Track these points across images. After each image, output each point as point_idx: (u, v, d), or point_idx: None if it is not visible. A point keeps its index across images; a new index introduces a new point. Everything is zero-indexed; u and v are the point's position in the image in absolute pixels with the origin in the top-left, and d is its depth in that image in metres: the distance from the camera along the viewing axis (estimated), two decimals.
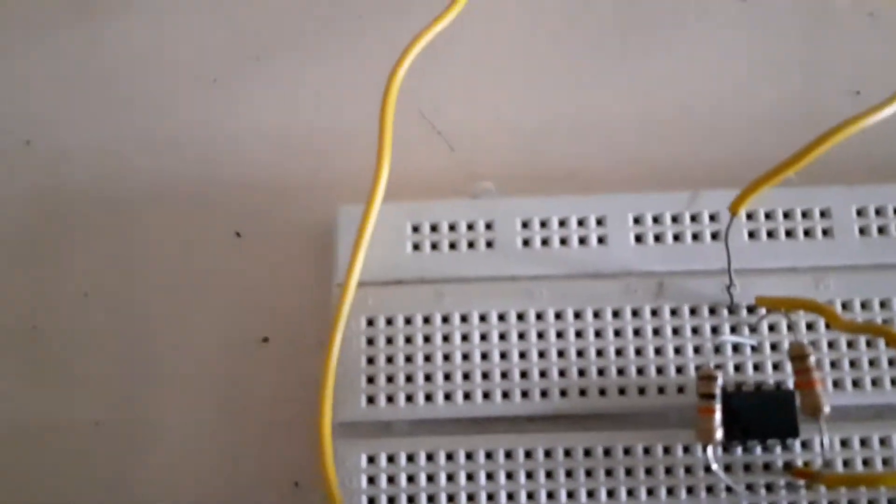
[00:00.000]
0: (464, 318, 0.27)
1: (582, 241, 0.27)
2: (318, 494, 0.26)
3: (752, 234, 0.27)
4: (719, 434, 0.24)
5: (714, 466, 0.24)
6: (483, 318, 0.27)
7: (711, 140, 0.29)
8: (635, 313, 0.26)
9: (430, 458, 0.26)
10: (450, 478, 0.25)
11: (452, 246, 0.27)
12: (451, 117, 0.30)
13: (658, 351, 0.26)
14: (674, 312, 0.26)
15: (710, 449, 0.24)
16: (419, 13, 0.28)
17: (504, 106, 0.30)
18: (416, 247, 0.27)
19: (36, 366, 0.29)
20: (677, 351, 0.26)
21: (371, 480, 0.25)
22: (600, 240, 0.27)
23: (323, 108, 0.30)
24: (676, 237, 0.27)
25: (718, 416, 0.24)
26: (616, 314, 0.26)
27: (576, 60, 0.31)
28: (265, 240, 0.29)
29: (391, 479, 0.25)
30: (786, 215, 0.27)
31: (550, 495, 0.25)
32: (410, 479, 0.25)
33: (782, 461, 0.25)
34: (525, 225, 0.27)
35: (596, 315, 0.26)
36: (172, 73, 0.31)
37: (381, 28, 0.31)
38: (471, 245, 0.27)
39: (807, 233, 0.27)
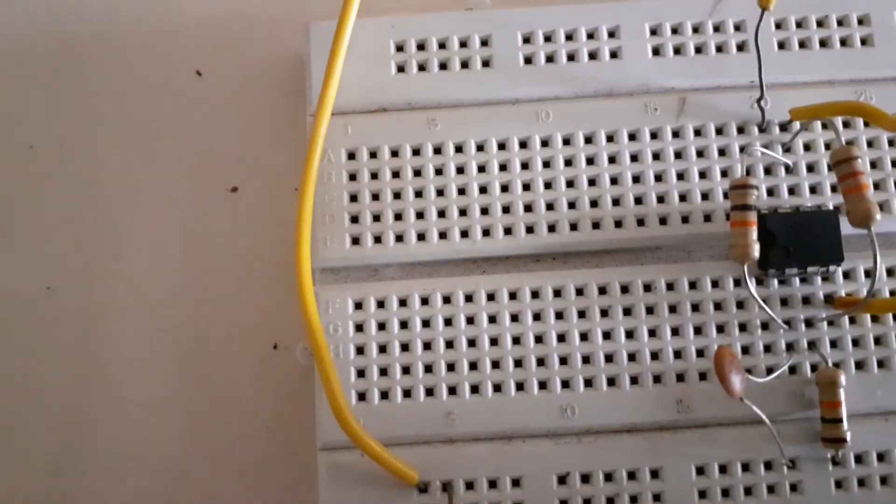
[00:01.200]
0: (459, 148, 0.23)
1: (592, 55, 0.24)
2: (299, 353, 0.23)
3: (782, 45, 0.24)
4: (756, 251, 0.21)
5: (752, 288, 0.21)
6: (481, 147, 0.23)
7: None
8: (654, 135, 0.23)
9: (424, 301, 0.23)
10: (447, 322, 0.22)
11: (443, 66, 0.24)
12: None
13: (681, 176, 0.23)
14: (698, 132, 0.23)
15: (746, 268, 0.21)
16: None
17: None
18: (400, 68, 0.24)
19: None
20: (703, 175, 0.23)
21: (359, 328, 0.22)
22: (613, 54, 0.24)
23: None
24: (699, 49, 0.24)
25: (755, 230, 0.21)
26: (633, 137, 0.23)
27: None
28: (228, 78, 0.26)
29: (382, 326, 0.22)
30: (819, 23, 0.24)
31: (561, 338, 0.22)
32: (403, 324, 0.22)
33: (823, 293, 0.22)
34: (527, 39, 0.24)
35: (610, 139, 0.23)
36: None
37: None
38: (465, 64, 0.24)
39: (843, 42, 0.24)
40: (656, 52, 0.24)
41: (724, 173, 0.23)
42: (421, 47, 0.24)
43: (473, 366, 0.22)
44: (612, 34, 0.24)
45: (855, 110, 0.21)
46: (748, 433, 0.22)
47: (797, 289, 0.22)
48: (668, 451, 0.22)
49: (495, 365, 0.22)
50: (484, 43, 0.24)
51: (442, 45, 0.24)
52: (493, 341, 0.22)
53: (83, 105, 0.26)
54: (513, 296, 0.23)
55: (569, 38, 0.24)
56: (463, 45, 0.24)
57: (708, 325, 0.22)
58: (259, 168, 0.26)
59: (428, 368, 0.22)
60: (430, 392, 0.22)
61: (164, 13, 0.26)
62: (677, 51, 0.24)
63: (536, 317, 0.22)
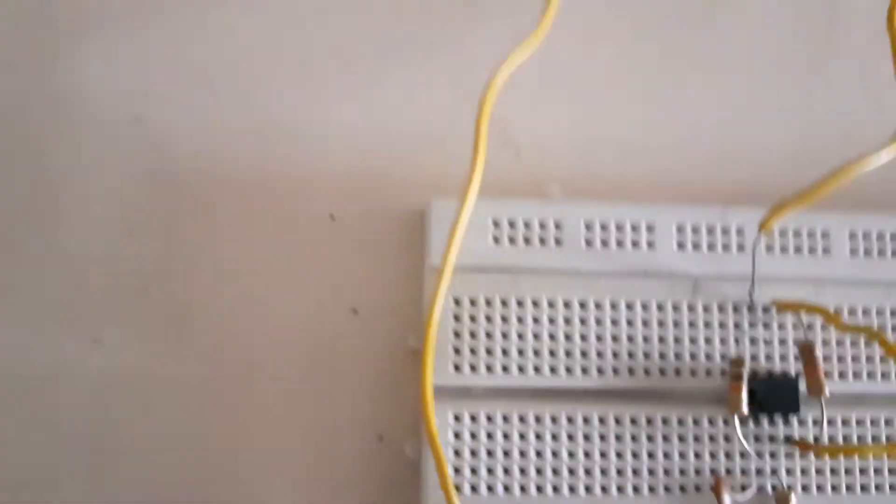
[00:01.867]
0: (535, 303, 0.31)
1: (634, 244, 0.32)
2: (398, 447, 0.30)
3: (768, 248, 0.33)
4: (745, 406, 0.30)
5: (738, 431, 0.30)
6: (551, 304, 0.31)
7: (741, 162, 0.35)
8: (675, 307, 0.32)
9: (504, 419, 0.30)
10: (521, 436, 0.30)
11: (527, 241, 0.32)
12: (519, 125, 0.34)
13: (692, 340, 0.32)
14: (705, 308, 0.32)
15: (736, 417, 0.30)
16: (492, 21, 0.32)
17: (567, 119, 0.35)
18: (496, 239, 0.32)
19: (147, 326, 0.32)
20: (707, 340, 0.32)
21: (456, 435, 0.30)
22: (649, 244, 0.32)
23: (411, 109, 0.34)
24: (710, 246, 0.33)
25: (745, 393, 0.30)
26: (660, 307, 0.32)
27: (629, 85, 0.36)
28: (356, 223, 0.33)
29: (472, 435, 0.30)
30: (795, 234, 0.33)
31: (602, 454, 0.31)
32: (489, 435, 0.30)
33: (784, 434, 0.31)
34: (588, 227, 0.32)
35: (643, 307, 0.32)
36: (279, 63, 0.34)
37: (462, 39, 0.35)
38: (542, 241, 0.32)
39: (811, 250, 0.33)
40: (680, 245, 0.33)
41: (722, 340, 0.32)
42: (511, 224, 0.32)
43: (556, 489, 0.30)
44: (649, 229, 0.33)
45: (817, 310, 0.31)
46: None
47: (767, 430, 0.31)
48: None
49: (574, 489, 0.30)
50: (557, 226, 0.32)
51: (526, 225, 0.32)
52: (554, 453, 0.30)
53: (236, 233, 0.33)
54: (569, 419, 0.31)
55: (618, 228, 0.32)
56: (542, 226, 0.32)
57: (703, 451, 0.31)
58: (375, 296, 0.33)
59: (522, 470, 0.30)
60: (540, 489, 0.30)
61: (307, 166, 0.34)
62: (695, 246, 0.33)
63: (585, 437, 0.31)
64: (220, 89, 0.33)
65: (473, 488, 0.30)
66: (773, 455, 0.31)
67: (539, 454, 0.30)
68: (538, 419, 0.31)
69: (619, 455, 0.31)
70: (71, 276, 0.32)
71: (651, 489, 0.31)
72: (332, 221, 0.33)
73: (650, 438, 0.31)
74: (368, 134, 0.34)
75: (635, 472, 0.31)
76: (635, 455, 0.31)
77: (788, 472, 0.31)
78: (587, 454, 0.31)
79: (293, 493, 0.31)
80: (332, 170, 0.34)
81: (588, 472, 0.30)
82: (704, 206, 0.33)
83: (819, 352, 0.30)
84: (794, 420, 0.31)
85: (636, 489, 0.30)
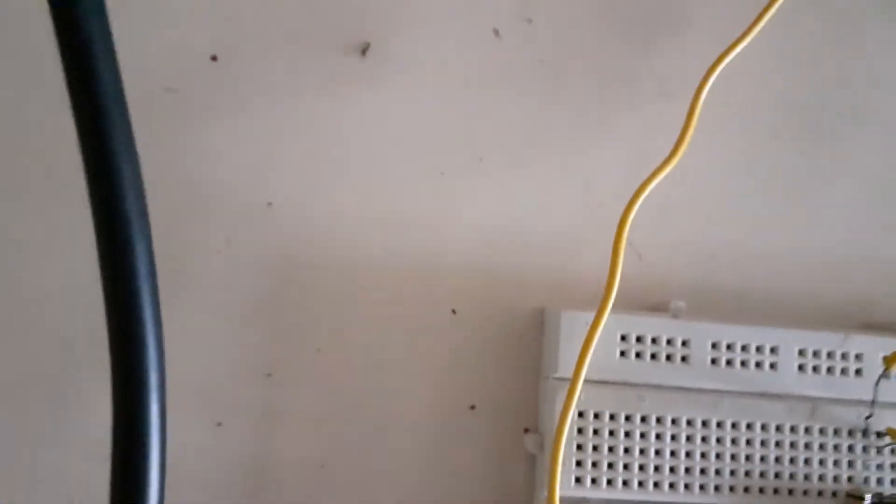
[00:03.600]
0: (658, 420, 0.32)
1: (758, 364, 0.33)
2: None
3: (886, 377, 0.34)
4: None
5: None
6: (674, 422, 0.32)
7: (875, 279, 0.36)
8: (793, 429, 0.33)
9: None
10: None
11: (654, 356, 0.33)
12: (643, 232, 0.35)
13: (807, 461, 0.33)
14: (822, 431, 0.33)
15: None
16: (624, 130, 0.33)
17: (690, 228, 0.35)
18: (622, 353, 0.32)
19: (270, 410, 0.32)
20: (821, 462, 0.33)
21: None
22: (772, 365, 0.33)
23: (532, 210, 0.35)
24: (829, 369, 0.33)
25: None
26: (778, 428, 0.33)
27: (753, 197, 0.36)
28: (476, 319, 0.34)
29: None
30: None
31: None
32: None
33: None
34: (714, 346, 0.33)
35: (762, 427, 0.32)
36: (404, 159, 0.34)
37: (595, 145, 0.35)
38: (668, 357, 0.33)
39: None
40: (801, 368, 0.33)
41: (835, 463, 0.33)
42: (639, 340, 0.32)
43: None
44: (772, 350, 0.33)
45: None
46: None
47: None
48: None
49: None
50: (684, 344, 0.33)
51: (654, 341, 0.33)
52: None
53: (360, 322, 0.33)
54: None
55: (743, 349, 0.33)
56: (669, 342, 0.33)
57: None
58: (491, 394, 0.34)
59: None
60: None
61: (430, 261, 0.34)
62: (815, 369, 0.33)
63: None
64: (347, 179, 0.34)
65: None
66: None
67: None
68: None
69: None
70: (197, 361, 0.32)
71: None
72: (454, 315, 0.34)
73: None
74: (494, 232, 0.34)
75: None
76: None
77: None
78: None
79: None
80: (456, 264, 0.34)
81: None
82: (827, 331, 0.33)
83: None
84: None
85: None
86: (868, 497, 0.31)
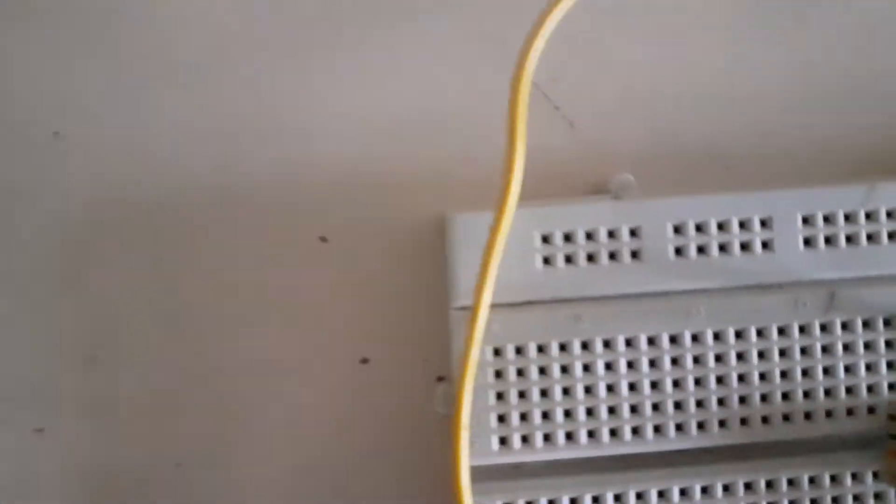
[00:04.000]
0: (607, 344, 0.23)
1: (744, 246, 0.23)
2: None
3: None
4: None
5: None
6: (630, 343, 0.23)
7: (884, 112, 0.25)
8: (803, 329, 0.23)
9: (574, 503, 0.23)
10: None
11: (591, 258, 0.23)
12: (572, 91, 0.24)
13: (827, 371, 0.23)
14: (845, 327, 0.23)
15: None
16: None
17: (637, 75, 0.25)
18: (546, 260, 0.23)
19: (100, 403, 0.24)
20: (847, 370, 0.23)
21: None
22: (765, 245, 0.23)
23: (416, 89, 0.25)
24: (850, 238, 0.23)
25: None
26: (782, 331, 0.23)
27: (718, 18, 0.25)
28: (354, 246, 0.25)
29: None
30: None
31: None
32: None
33: None
34: (677, 230, 0.23)
35: (759, 334, 0.23)
36: (251, 45, 0.24)
37: None
38: (613, 256, 0.23)
39: None
40: (807, 242, 0.23)
41: (868, 367, 0.23)
42: (568, 238, 0.23)
43: None
44: (763, 224, 0.23)
45: None
46: None
47: None
48: None
49: None
50: (633, 233, 0.23)
51: (590, 237, 0.23)
52: None
53: (199, 266, 0.25)
54: (661, 494, 0.23)
55: (720, 227, 0.23)
56: (611, 235, 0.23)
57: None
58: (387, 342, 0.25)
59: None
60: None
61: (286, 176, 0.25)
62: (828, 241, 0.23)
63: None
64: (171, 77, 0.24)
65: None
66: None
67: None
68: (618, 498, 0.23)
69: None
70: None
71: None
72: (324, 244, 0.25)
73: None
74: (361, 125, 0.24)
75: None
76: None
77: None
78: None
79: None
80: (320, 176, 0.24)
81: None
82: (841, 185, 0.23)
83: None
84: None
85: None
86: None
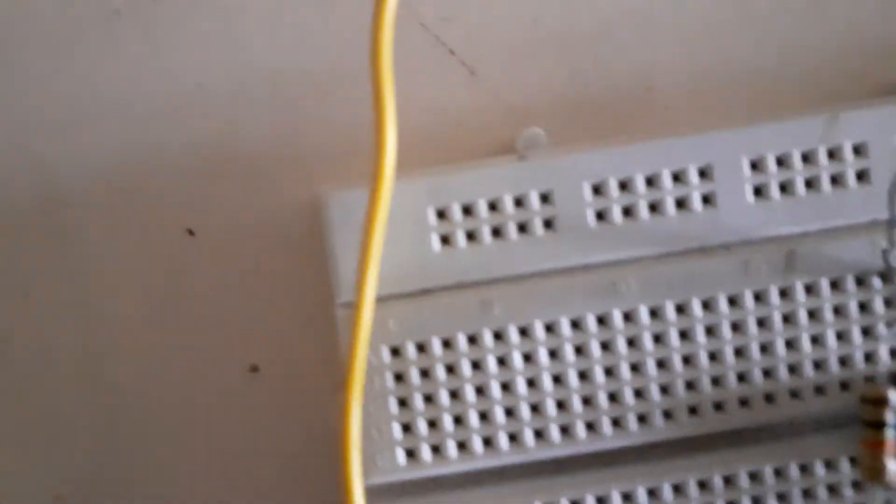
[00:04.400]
0: (523, 332, 0.19)
1: (680, 204, 0.19)
2: None
3: None
4: (892, 472, 0.17)
5: None
6: (550, 329, 0.19)
7: (846, 21, 0.20)
8: (758, 297, 0.19)
9: None
10: None
11: (497, 233, 0.19)
12: (467, 28, 0.20)
13: (791, 344, 0.19)
14: (809, 289, 0.19)
15: (877, 494, 0.18)
16: None
17: (542, 6, 0.21)
18: (444, 240, 0.19)
19: None
20: (815, 340, 0.19)
21: None
22: (705, 199, 0.19)
23: (278, 44, 0.21)
24: (809, 183, 0.19)
25: (891, 448, 0.17)
26: (732, 301, 0.19)
27: None
28: (225, 238, 0.21)
29: None
30: None
31: None
32: None
33: None
34: (597, 190, 0.19)
35: (705, 306, 0.19)
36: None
37: None
38: (522, 228, 0.19)
39: None
40: (757, 192, 0.19)
41: (838, 336, 0.19)
42: (467, 211, 0.19)
43: None
44: (703, 174, 0.19)
45: None
46: None
47: None
48: None
49: None
50: (544, 199, 0.19)
51: (493, 207, 0.19)
52: None
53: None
54: (600, 501, 0.20)
55: (649, 183, 0.19)
56: (519, 203, 0.19)
57: None
58: (276, 347, 0.21)
59: None
60: None
61: (140, 161, 0.21)
62: (783, 188, 0.19)
63: None
64: None
65: None
66: None
67: None
68: None
69: None
70: None
71: None
72: (192, 238, 0.21)
73: None
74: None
75: None
76: None
77: None
78: None
79: None
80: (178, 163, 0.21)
81: None
82: (795, 118, 0.19)
83: None
84: None
85: None
86: (893, 396, 0.18)
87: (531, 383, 0.19)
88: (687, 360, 0.19)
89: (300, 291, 0.21)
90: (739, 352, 0.19)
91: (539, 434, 0.19)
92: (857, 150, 0.19)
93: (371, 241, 0.18)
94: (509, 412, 0.19)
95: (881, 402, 0.17)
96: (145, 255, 0.21)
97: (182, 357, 0.21)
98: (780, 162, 0.19)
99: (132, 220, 0.21)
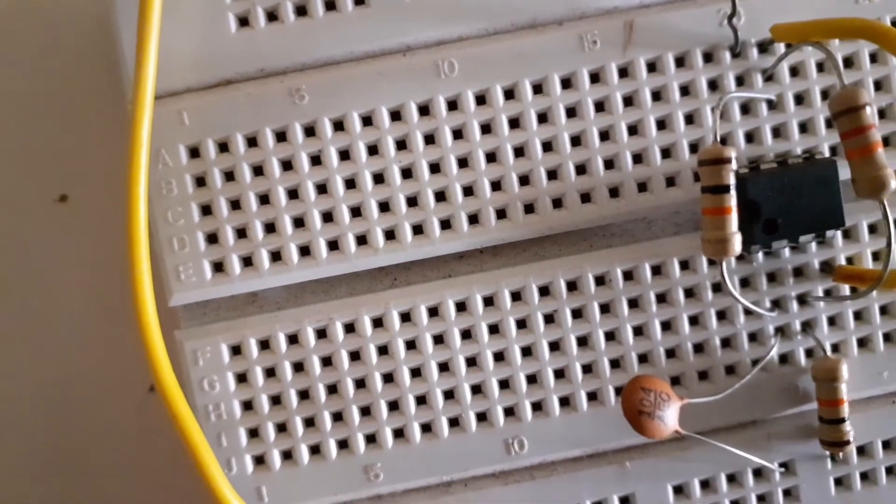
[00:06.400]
0: (338, 126, 0.17)
1: None
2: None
3: None
4: (737, 243, 0.16)
5: (732, 290, 0.16)
6: (367, 121, 0.17)
7: None
8: (595, 77, 0.17)
9: (321, 334, 0.18)
10: (353, 356, 0.18)
11: (301, 11, 0.17)
12: None
13: (633, 130, 0.17)
14: (652, 67, 0.17)
15: (724, 265, 0.16)
16: None
17: None
18: (243, 21, 0.17)
19: None
20: (661, 125, 0.17)
21: (242, 378, 0.18)
22: None
23: None
24: None
25: (735, 216, 0.16)
26: (567, 83, 0.17)
27: None
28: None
29: (270, 372, 0.18)
30: None
31: (498, 356, 0.18)
32: (298, 367, 0.18)
33: (820, 262, 0.18)
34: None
35: (537, 90, 0.17)
36: None
37: None
38: (331, 5, 0.17)
39: None
40: None
41: (688, 119, 0.17)
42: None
43: (393, 406, 0.18)
44: None
45: (860, 31, 0.16)
46: (730, 441, 0.18)
47: (787, 260, 0.18)
48: (640, 475, 0.18)
49: (420, 401, 0.18)
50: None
51: None
52: (414, 372, 0.18)
53: None
54: (433, 312, 0.18)
55: None
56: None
57: (678, 320, 0.18)
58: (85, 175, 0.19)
59: (337, 417, 0.18)
60: (342, 445, 0.18)
61: None
62: None
63: (465, 334, 0.18)
64: None
65: (286, 455, 0.18)
66: (802, 301, 0.18)
67: (389, 379, 0.18)
68: (378, 323, 0.18)
69: (526, 353, 0.18)
70: None
71: (592, 398, 0.18)
72: None
73: (578, 314, 0.18)
74: None
75: (560, 375, 0.18)
76: (556, 348, 0.18)
77: (832, 323, 0.18)
78: (472, 362, 0.18)
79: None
80: None
81: (477, 390, 0.18)
82: None
83: (871, 110, 0.15)
84: (837, 239, 0.18)
85: (565, 403, 0.18)
86: (733, 158, 0.16)
87: (350, 184, 0.17)
88: (519, 151, 0.17)
89: (95, 104, 0.19)
90: (576, 140, 0.17)
91: (361, 240, 0.17)
92: None
93: (148, 21, 0.16)
94: (326, 217, 0.17)
95: (720, 161, 0.15)
96: None
97: None
98: None
99: None
